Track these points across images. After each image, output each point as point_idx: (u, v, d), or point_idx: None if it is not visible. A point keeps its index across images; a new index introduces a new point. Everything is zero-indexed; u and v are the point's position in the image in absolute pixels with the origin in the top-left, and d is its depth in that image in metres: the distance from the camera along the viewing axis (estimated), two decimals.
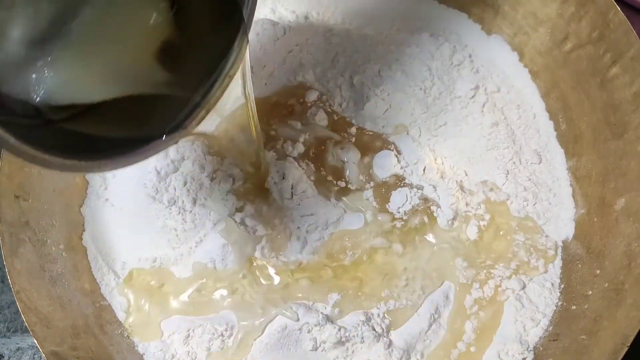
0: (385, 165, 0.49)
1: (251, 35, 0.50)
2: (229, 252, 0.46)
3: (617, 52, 0.44)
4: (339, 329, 0.44)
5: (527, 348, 0.43)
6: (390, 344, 0.44)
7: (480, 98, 0.50)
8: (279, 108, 0.51)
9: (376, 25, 0.53)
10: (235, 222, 0.47)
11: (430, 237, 0.47)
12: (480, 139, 0.49)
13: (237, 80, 0.36)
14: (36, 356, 0.47)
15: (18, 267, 0.41)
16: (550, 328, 0.44)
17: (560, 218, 0.48)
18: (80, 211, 0.48)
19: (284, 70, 0.51)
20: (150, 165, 0.47)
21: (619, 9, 0.44)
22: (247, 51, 0.36)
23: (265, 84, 0.51)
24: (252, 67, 0.50)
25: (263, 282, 0.46)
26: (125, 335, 0.45)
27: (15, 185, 0.43)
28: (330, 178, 0.49)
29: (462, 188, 0.49)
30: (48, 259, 0.44)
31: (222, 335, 0.45)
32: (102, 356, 0.42)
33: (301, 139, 0.49)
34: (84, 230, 0.48)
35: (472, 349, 0.44)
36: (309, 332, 0.44)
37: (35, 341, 0.39)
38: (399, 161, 0.49)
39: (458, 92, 0.50)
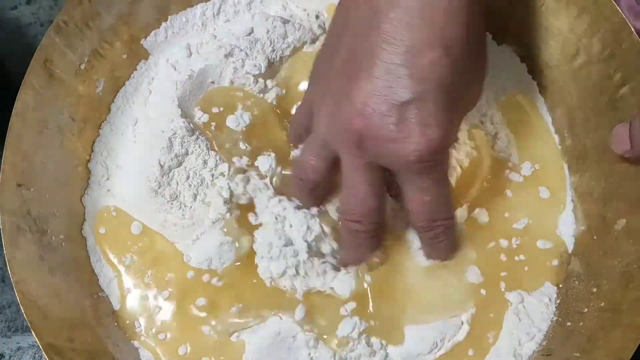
0: None
1: (261, 31, 0.50)
2: (226, 251, 0.46)
3: (628, 72, 0.44)
4: None
5: None
6: (386, 356, 0.44)
7: (487, 106, 0.50)
8: None
9: None
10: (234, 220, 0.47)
11: None
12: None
13: None
14: (37, 355, 0.47)
15: (18, 256, 0.41)
16: (544, 343, 0.45)
17: (559, 233, 0.48)
18: (81, 201, 0.48)
19: None
20: (154, 159, 0.47)
21: (633, 29, 0.44)
22: None
23: None
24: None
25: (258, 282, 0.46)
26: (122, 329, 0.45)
27: (18, 174, 0.43)
28: None
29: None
30: (48, 249, 0.44)
31: None
32: (99, 348, 0.42)
33: None
34: (84, 221, 0.48)
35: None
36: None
37: (33, 333, 0.39)
38: None
39: None
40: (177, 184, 0.47)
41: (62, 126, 0.47)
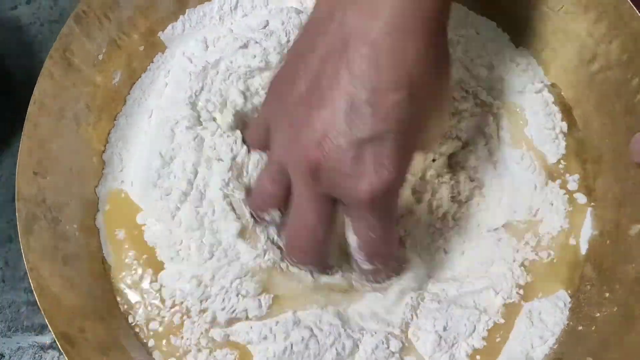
0: None
1: (276, 23, 0.50)
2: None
3: None
4: None
5: None
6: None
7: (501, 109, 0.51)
8: None
9: None
10: None
11: None
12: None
13: None
14: (37, 355, 0.47)
15: (32, 244, 0.41)
16: (555, 346, 0.44)
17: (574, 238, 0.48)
18: (95, 191, 0.48)
19: None
20: (156, 149, 0.47)
21: None
22: None
23: None
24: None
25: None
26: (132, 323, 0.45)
27: (34, 162, 0.43)
28: None
29: None
30: (62, 238, 0.43)
31: None
32: (111, 341, 0.42)
33: None
34: (97, 211, 0.48)
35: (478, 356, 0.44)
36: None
37: (46, 320, 0.39)
38: None
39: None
40: (175, 177, 0.46)
41: (79, 115, 0.47)
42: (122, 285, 0.45)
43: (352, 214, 0.38)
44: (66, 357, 0.38)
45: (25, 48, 0.56)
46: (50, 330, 0.38)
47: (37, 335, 0.48)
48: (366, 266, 0.41)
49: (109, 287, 0.45)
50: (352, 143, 0.34)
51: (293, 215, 0.40)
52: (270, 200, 0.41)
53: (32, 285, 0.39)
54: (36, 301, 0.43)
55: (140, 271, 0.45)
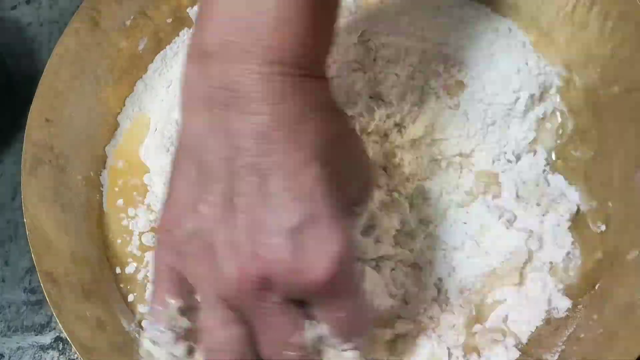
0: None
1: None
2: None
3: None
4: None
5: None
6: None
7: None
8: None
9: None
10: None
11: None
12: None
13: None
14: (37, 355, 0.47)
15: (33, 185, 0.42)
16: None
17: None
18: (104, 150, 0.49)
19: None
20: (173, 117, 0.48)
21: None
22: None
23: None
24: None
25: None
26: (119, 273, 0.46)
27: (47, 109, 0.45)
28: None
29: None
30: (63, 186, 0.45)
31: None
32: (93, 286, 0.43)
33: None
34: (103, 168, 0.49)
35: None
36: None
37: (33, 258, 0.40)
38: None
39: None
40: None
41: (99, 75, 0.49)
42: (114, 241, 0.47)
43: (315, 302, 0.34)
44: (47, 297, 0.39)
45: (25, 48, 0.57)
46: (36, 267, 0.39)
47: (37, 335, 0.48)
48: (346, 346, 0.36)
49: (102, 240, 0.47)
50: (286, 236, 0.31)
51: (261, 332, 0.34)
52: (233, 346, 0.34)
53: (25, 222, 0.40)
54: (36, 301, 0.44)
55: (133, 229, 0.47)
